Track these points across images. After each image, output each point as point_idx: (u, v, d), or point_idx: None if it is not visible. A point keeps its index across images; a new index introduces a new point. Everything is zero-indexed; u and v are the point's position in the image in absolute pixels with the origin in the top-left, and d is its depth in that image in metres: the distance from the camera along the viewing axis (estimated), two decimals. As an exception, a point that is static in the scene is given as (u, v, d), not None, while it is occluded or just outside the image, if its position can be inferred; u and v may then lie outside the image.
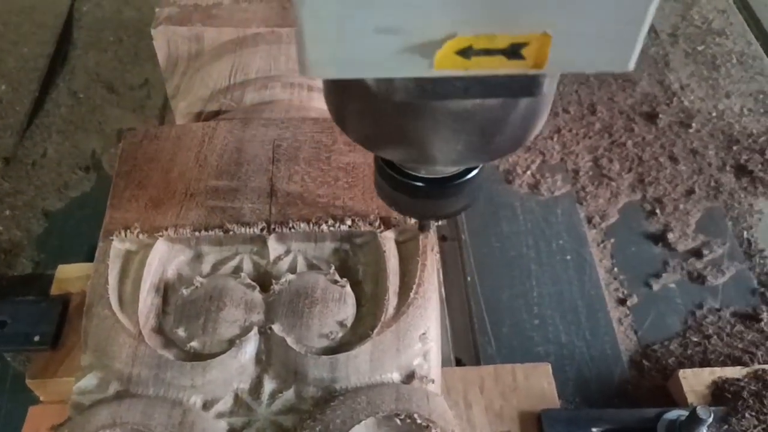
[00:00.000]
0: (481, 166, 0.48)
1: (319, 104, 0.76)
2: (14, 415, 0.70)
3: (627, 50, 0.31)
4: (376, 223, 0.58)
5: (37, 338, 0.68)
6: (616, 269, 0.89)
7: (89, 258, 0.79)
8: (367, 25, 0.29)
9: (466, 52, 0.30)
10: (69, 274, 0.75)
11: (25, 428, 0.67)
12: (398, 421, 0.48)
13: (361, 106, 0.40)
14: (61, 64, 1.20)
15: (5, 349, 0.72)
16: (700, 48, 1.21)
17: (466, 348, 0.85)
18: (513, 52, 0.30)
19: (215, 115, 0.77)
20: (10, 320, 0.70)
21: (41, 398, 0.69)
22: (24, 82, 1.15)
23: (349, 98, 0.40)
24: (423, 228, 0.57)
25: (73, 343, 0.68)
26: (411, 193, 0.48)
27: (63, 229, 0.96)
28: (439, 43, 0.30)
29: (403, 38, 0.30)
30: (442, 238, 0.93)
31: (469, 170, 0.47)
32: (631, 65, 0.32)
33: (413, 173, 0.47)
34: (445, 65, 0.31)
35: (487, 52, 0.30)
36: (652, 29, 1.24)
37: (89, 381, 0.50)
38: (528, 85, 0.34)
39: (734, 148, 1.03)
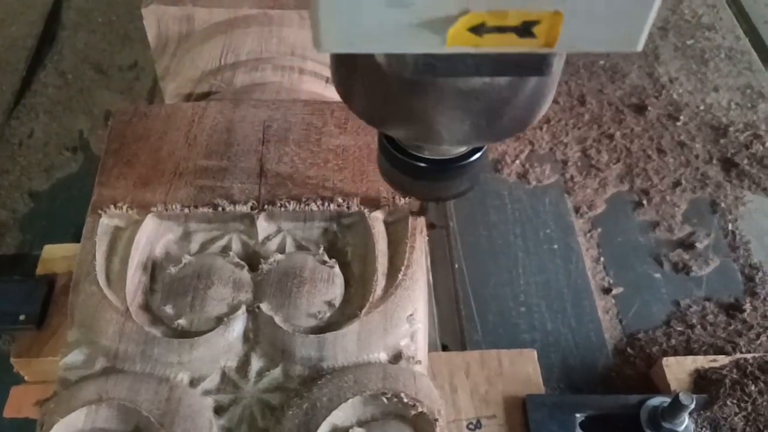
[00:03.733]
0: (485, 148, 0.48)
1: (309, 87, 0.76)
2: (-3, 394, 0.70)
3: (636, 30, 0.31)
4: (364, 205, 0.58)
5: (22, 317, 0.68)
6: (602, 259, 0.90)
7: (75, 239, 0.78)
8: None
9: (478, 29, 0.30)
10: (54, 255, 0.75)
11: (7, 407, 0.66)
12: (385, 400, 0.48)
13: (370, 82, 0.39)
14: (49, 44, 1.18)
15: (-11, 328, 0.71)
16: (689, 42, 1.21)
17: (452, 334, 0.86)
18: (525, 30, 0.30)
19: (205, 96, 0.77)
20: (-5, 299, 0.70)
21: (26, 378, 0.68)
22: (12, 61, 1.14)
23: (357, 74, 0.40)
24: (422, 211, 0.58)
25: (58, 322, 0.68)
26: (415, 173, 0.48)
27: (49, 210, 0.95)
28: (451, 19, 0.29)
29: (416, 13, 0.29)
30: (430, 226, 0.93)
31: (474, 152, 0.47)
32: (640, 45, 0.32)
33: (417, 154, 0.47)
34: (458, 42, 0.30)
35: (499, 29, 0.30)
36: (643, 22, 1.25)
37: (76, 357, 0.50)
38: (538, 64, 0.34)
39: (721, 141, 1.03)
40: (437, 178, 0.48)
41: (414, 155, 0.47)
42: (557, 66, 0.37)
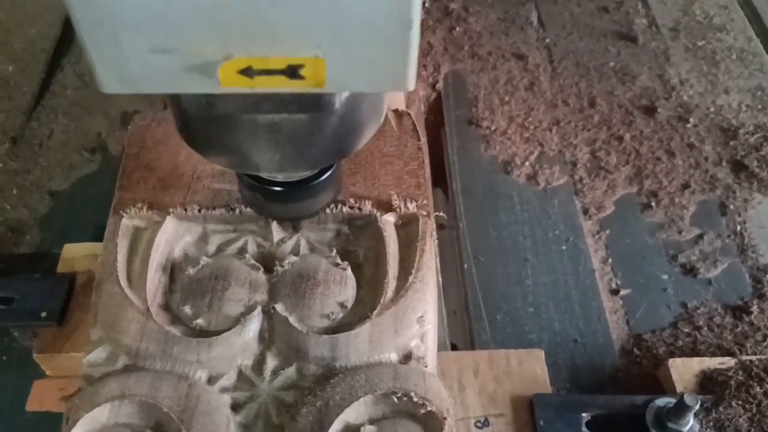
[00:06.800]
0: (334, 166, 0.51)
1: (323, 91, 0.78)
2: (20, 388, 0.72)
3: (401, 71, 0.32)
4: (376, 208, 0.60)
5: (44, 314, 0.70)
6: (610, 260, 0.91)
7: (93, 238, 0.80)
8: (142, 46, 0.30)
9: (248, 72, 0.31)
10: (75, 253, 0.77)
11: (29, 401, 0.69)
12: (395, 399, 0.50)
13: (188, 119, 0.41)
14: (67, 46, 1.20)
15: (13, 324, 0.73)
16: (700, 43, 1.22)
17: (461, 333, 0.87)
18: (292, 72, 0.32)
19: (221, 99, 0.79)
20: (18, 296, 0.72)
21: (47, 373, 0.71)
22: (31, 63, 1.16)
23: (179, 111, 0.41)
24: (297, 228, 0.60)
25: (79, 319, 0.70)
26: (280, 198, 0.51)
27: (68, 209, 0.97)
28: (217, 64, 0.31)
29: (182, 58, 0.31)
30: (440, 227, 0.94)
31: (326, 170, 0.51)
32: (411, 85, 0.33)
33: (277, 179, 0.50)
34: (231, 83, 0.32)
35: (268, 72, 0.32)
36: (654, 23, 1.26)
37: (99, 354, 0.52)
38: (315, 102, 0.36)
39: (731, 143, 1.04)
40: (301, 198, 0.52)
41: (275, 181, 0.50)
42: (349, 102, 0.38)
